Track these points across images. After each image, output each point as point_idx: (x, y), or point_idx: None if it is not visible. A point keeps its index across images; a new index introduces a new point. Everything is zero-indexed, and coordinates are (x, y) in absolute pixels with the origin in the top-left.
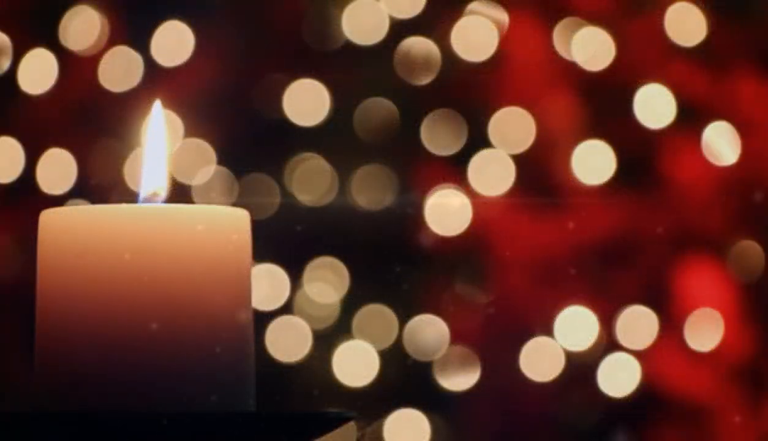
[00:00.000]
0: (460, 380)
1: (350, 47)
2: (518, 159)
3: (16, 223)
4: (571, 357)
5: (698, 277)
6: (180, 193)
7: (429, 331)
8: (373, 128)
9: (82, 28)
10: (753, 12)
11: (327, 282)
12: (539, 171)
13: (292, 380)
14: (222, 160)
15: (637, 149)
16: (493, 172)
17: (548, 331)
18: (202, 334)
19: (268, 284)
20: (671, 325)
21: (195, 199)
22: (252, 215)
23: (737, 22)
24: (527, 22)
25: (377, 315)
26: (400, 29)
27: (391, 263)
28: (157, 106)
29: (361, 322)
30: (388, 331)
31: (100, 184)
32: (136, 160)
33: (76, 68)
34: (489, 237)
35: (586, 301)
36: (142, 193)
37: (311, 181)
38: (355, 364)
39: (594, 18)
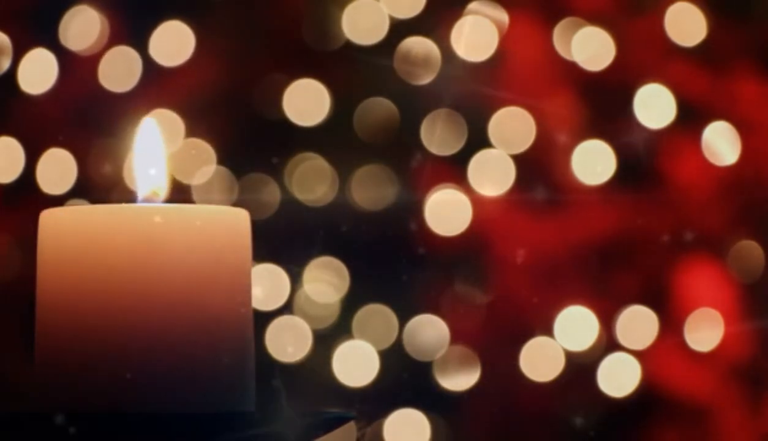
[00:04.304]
0: (460, 380)
1: (350, 47)
2: (518, 159)
3: (16, 223)
4: (571, 357)
5: (698, 277)
6: (180, 193)
7: (429, 331)
8: (373, 128)
9: (82, 28)
10: (753, 12)
11: (327, 282)
12: (539, 171)
13: (292, 380)
14: (222, 160)
15: (637, 149)
16: (493, 172)
17: (548, 331)
18: (202, 334)
19: (268, 284)
20: (671, 325)
21: (195, 199)
22: (252, 215)
23: (737, 22)
24: (527, 22)
25: (377, 315)
26: (400, 29)
27: (391, 263)
28: (150, 122)
29: (361, 322)
30: (388, 331)
31: (100, 184)
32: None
33: (76, 68)
34: (489, 237)
35: (586, 301)
36: (140, 195)
37: (311, 181)
38: (355, 364)
39: (594, 18)
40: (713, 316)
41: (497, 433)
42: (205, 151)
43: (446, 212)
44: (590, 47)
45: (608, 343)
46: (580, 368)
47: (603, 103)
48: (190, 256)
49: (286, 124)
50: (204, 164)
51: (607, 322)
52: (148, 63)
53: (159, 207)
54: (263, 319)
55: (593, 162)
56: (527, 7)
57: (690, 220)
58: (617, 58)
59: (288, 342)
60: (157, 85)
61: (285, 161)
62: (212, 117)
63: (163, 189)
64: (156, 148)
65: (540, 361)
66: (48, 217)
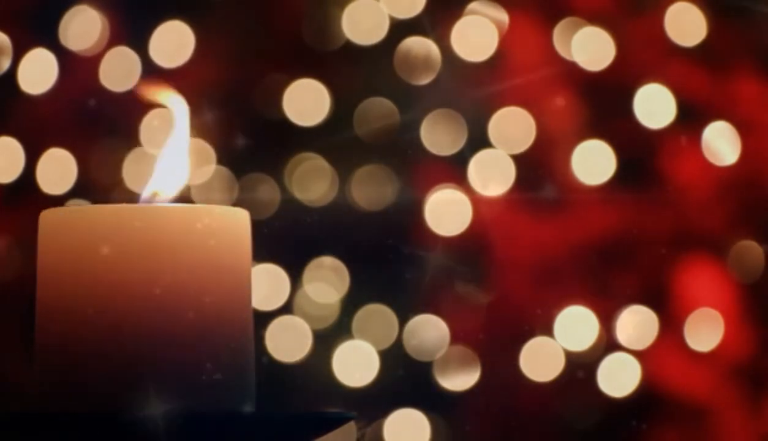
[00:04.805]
0: (460, 380)
1: (350, 47)
2: (518, 159)
3: (16, 223)
4: (571, 357)
5: (698, 277)
6: (180, 193)
7: (429, 331)
8: (373, 128)
9: (82, 28)
10: (753, 12)
11: (327, 282)
12: (539, 171)
13: (292, 380)
14: (222, 160)
15: (637, 149)
16: (493, 172)
17: (548, 331)
18: (202, 334)
19: (268, 284)
20: (671, 325)
21: (195, 199)
22: (252, 215)
23: (737, 22)
24: (527, 22)
25: (377, 315)
26: (400, 29)
27: (391, 263)
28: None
29: (361, 322)
30: (388, 331)
31: (100, 184)
32: (136, 160)
33: (76, 68)
34: (489, 237)
35: (586, 301)
36: (145, 193)
37: (311, 181)
38: (355, 364)
39: (594, 18)
40: (713, 316)
41: (497, 433)
42: (205, 151)
43: (446, 212)
44: (590, 47)
45: (608, 343)
46: (580, 368)
47: (603, 103)
48: (190, 256)
49: (286, 124)
50: (204, 164)
51: (607, 322)
52: (148, 63)
53: (159, 207)
54: (263, 319)
55: (593, 162)
56: (527, 7)
57: (690, 220)
58: (617, 58)
59: (288, 342)
60: (157, 85)
61: (285, 161)
62: (212, 117)
63: (171, 190)
64: (181, 144)
65: (540, 361)
66: (48, 217)
